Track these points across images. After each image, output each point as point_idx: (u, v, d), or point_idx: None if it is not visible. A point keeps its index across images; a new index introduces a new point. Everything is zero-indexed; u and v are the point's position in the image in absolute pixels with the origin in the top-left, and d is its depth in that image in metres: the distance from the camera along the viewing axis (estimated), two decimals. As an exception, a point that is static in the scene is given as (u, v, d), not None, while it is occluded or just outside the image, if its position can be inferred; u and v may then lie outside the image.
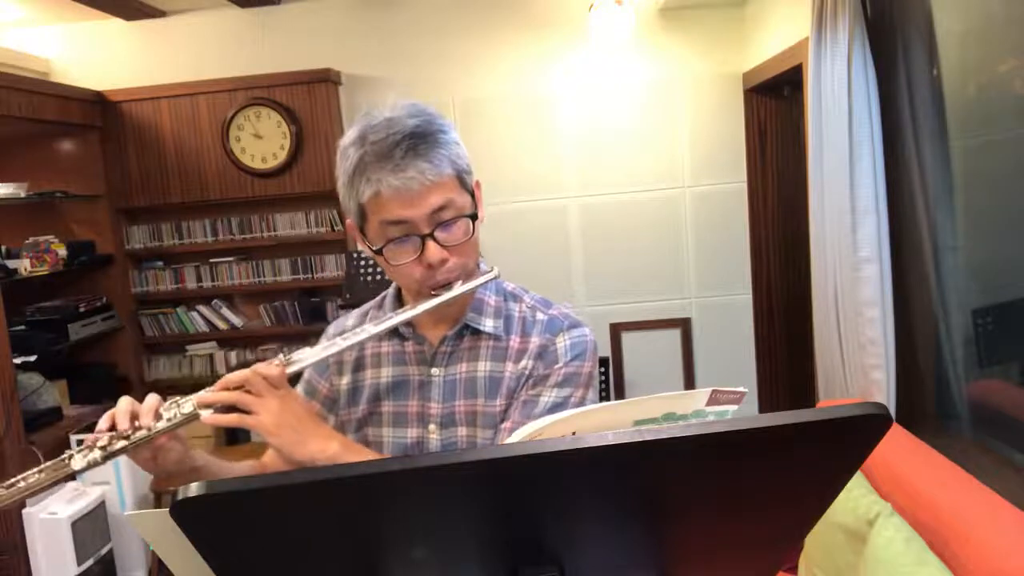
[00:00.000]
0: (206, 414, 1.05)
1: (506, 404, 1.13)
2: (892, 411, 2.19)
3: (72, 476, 1.06)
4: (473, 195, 1.12)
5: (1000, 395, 2.08)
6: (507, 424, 1.12)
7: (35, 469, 1.04)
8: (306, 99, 3.64)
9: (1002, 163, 2.02)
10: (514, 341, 1.16)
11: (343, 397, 1.23)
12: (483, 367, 1.15)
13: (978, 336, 2.11)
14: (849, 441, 0.64)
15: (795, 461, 0.65)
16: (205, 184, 3.73)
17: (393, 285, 1.23)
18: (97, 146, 3.71)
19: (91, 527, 3.00)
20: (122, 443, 1.02)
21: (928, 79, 2.15)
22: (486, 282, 1.12)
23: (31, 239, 3.46)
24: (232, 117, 3.66)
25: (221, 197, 3.74)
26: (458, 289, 1.09)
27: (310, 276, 3.78)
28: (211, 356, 3.94)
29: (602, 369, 3.43)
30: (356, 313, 1.28)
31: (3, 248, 3.48)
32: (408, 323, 1.15)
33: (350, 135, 1.07)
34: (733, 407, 0.84)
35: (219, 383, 1.06)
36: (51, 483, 1.04)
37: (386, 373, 1.20)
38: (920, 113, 2.17)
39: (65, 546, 2.86)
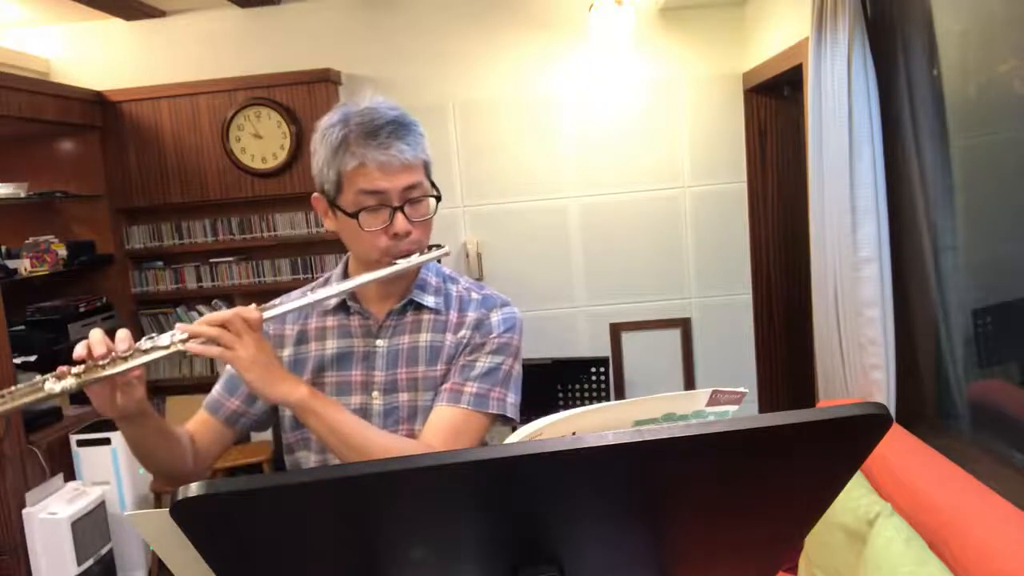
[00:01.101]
0: (186, 347, 1.10)
1: (446, 369, 1.27)
2: (892, 411, 2.19)
3: (47, 399, 1.06)
4: (434, 184, 1.26)
5: (1000, 395, 2.08)
6: (447, 385, 1.26)
7: (6, 390, 1.04)
8: (306, 99, 3.64)
9: (1002, 163, 2.02)
10: (452, 316, 1.30)
11: (286, 367, 1.28)
12: (424, 338, 1.29)
13: (978, 336, 2.11)
14: (849, 441, 0.64)
15: (795, 461, 0.65)
16: (205, 184, 3.73)
17: (340, 265, 1.35)
18: (97, 146, 3.71)
19: (91, 527, 3.00)
20: (100, 372, 1.05)
21: (928, 79, 2.14)
22: (441, 255, 1.25)
23: (31, 239, 3.46)
24: (232, 117, 3.66)
25: (221, 197, 3.74)
26: (416, 259, 1.22)
27: (310, 276, 3.78)
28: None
29: (602, 369, 3.43)
30: (298, 292, 1.36)
31: (3, 248, 3.48)
32: (355, 299, 1.29)
33: (331, 118, 1.21)
34: (733, 407, 0.84)
35: (200, 320, 1.13)
36: (23, 404, 1.05)
37: (331, 345, 1.30)
38: (920, 113, 2.17)
39: (65, 546, 2.86)
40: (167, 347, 1.09)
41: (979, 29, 2.02)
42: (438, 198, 1.25)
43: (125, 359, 1.06)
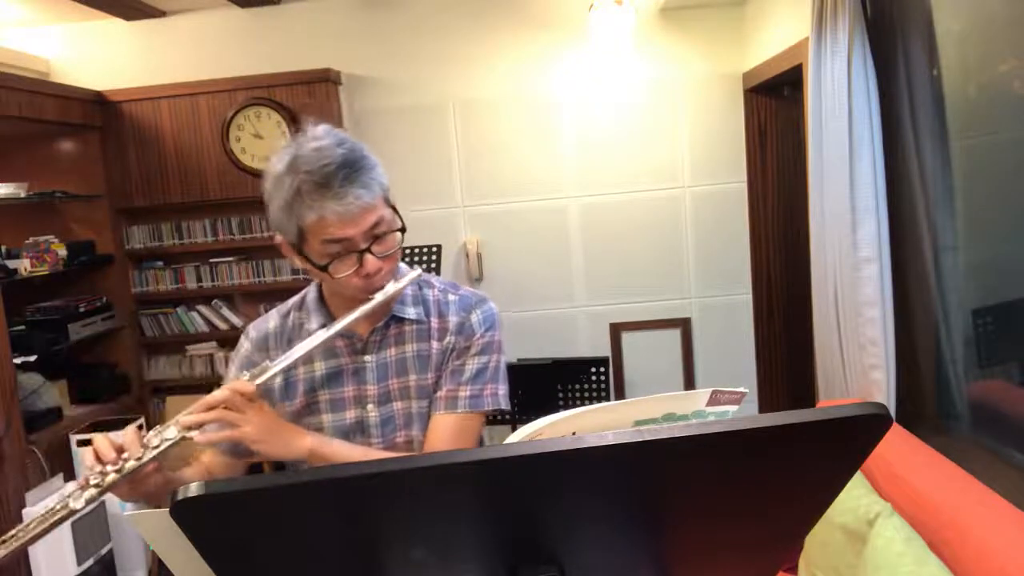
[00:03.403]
0: (194, 435, 1.13)
1: (436, 376, 1.31)
2: (892, 411, 2.19)
3: (71, 516, 1.09)
4: (394, 208, 1.25)
5: (1000, 395, 2.08)
6: (441, 393, 1.30)
7: (34, 519, 1.08)
8: (306, 99, 3.64)
9: (1002, 163, 2.02)
10: (434, 322, 1.33)
11: (277, 392, 1.33)
12: (411, 348, 1.32)
13: (978, 336, 2.11)
14: (849, 441, 0.64)
15: (795, 461, 0.65)
16: (205, 184, 3.73)
17: (313, 286, 1.37)
18: (97, 146, 3.70)
19: (91, 527, 3.00)
20: (113, 475, 1.08)
21: (928, 79, 2.14)
22: (412, 280, 1.28)
23: (31, 239, 3.46)
24: (232, 117, 3.66)
25: (221, 197, 3.74)
26: (391, 288, 1.24)
27: (310, 276, 3.77)
28: (211, 356, 3.93)
29: (602, 369, 3.43)
30: (275, 314, 1.39)
31: (3, 248, 3.48)
32: (336, 321, 1.27)
33: (280, 165, 1.17)
34: (733, 407, 0.84)
35: (198, 404, 1.15)
36: (52, 528, 1.08)
37: (319, 367, 1.33)
38: (920, 113, 2.17)
39: (65, 546, 2.86)
40: (174, 439, 1.12)
41: (979, 29, 2.02)
42: (403, 230, 1.24)
43: (138, 458, 1.10)
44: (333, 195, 1.13)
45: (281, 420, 1.22)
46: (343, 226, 1.15)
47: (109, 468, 1.08)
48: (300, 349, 1.20)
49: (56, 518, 1.08)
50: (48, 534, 1.08)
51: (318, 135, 1.18)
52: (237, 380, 1.18)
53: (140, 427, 1.17)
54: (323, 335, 1.21)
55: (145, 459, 1.09)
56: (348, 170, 1.14)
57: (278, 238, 1.25)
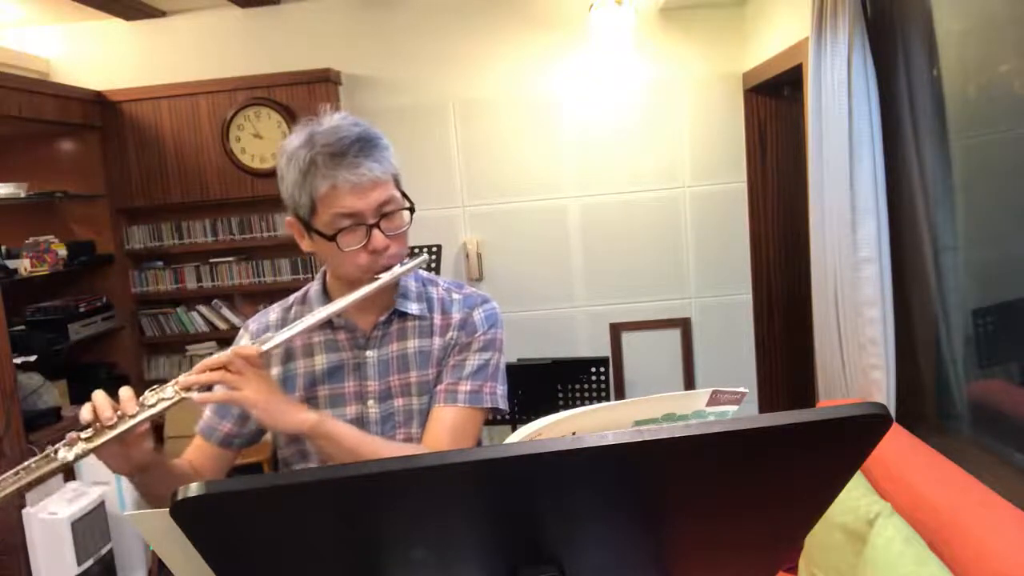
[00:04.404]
0: (192, 396, 1.11)
1: (437, 371, 1.32)
2: (892, 411, 2.19)
3: (62, 469, 1.06)
4: (405, 195, 1.26)
5: (1000, 395, 2.08)
6: (442, 386, 1.30)
7: (18, 467, 1.04)
8: (306, 99, 3.64)
9: (1002, 163, 2.02)
10: (437, 319, 1.33)
11: (289, 397, 1.29)
12: (412, 344, 1.32)
13: (978, 336, 2.11)
14: (849, 441, 0.64)
15: (795, 461, 0.65)
16: (205, 184, 3.73)
17: (317, 280, 1.36)
18: (97, 146, 3.71)
19: (91, 527, 3.00)
20: (109, 432, 1.05)
21: (928, 79, 2.14)
22: (420, 263, 1.28)
23: (31, 239, 3.46)
24: (232, 117, 3.66)
25: (221, 197, 3.75)
26: (398, 270, 1.23)
27: (310, 276, 3.78)
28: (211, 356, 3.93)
29: (602, 369, 3.43)
30: (277, 308, 1.39)
31: (3, 248, 3.48)
32: (339, 313, 1.27)
33: (296, 140, 1.20)
34: (733, 407, 0.84)
35: (199, 365, 1.14)
36: (37, 480, 1.05)
37: (320, 361, 1.32)
38: (920, 113, 2.17)
39: (65, 546, 2.86)
40: (172, 398, 1.10)
41: (979, 29, 2.02)
42: (412, 209, 1.26)
43: (133, 416, 1.07)
44: (347, 164, 1.15)
45: (283, 393, 1.20)
46: (354, 197, 1.17)
47: (105, 424, 1.06)
48: (306, 321, 1.20)
49: (46, 469, 1.04)
50: (35, 487, 1.04)
51: (334, 118, 1.21)
52: (242, 345, 1.16)
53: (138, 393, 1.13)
54: (330, 308, 1.21)
55: (141, 417, 1.07)
56: (363, 143, 1.17)
57: (288, 219, 1.26)
